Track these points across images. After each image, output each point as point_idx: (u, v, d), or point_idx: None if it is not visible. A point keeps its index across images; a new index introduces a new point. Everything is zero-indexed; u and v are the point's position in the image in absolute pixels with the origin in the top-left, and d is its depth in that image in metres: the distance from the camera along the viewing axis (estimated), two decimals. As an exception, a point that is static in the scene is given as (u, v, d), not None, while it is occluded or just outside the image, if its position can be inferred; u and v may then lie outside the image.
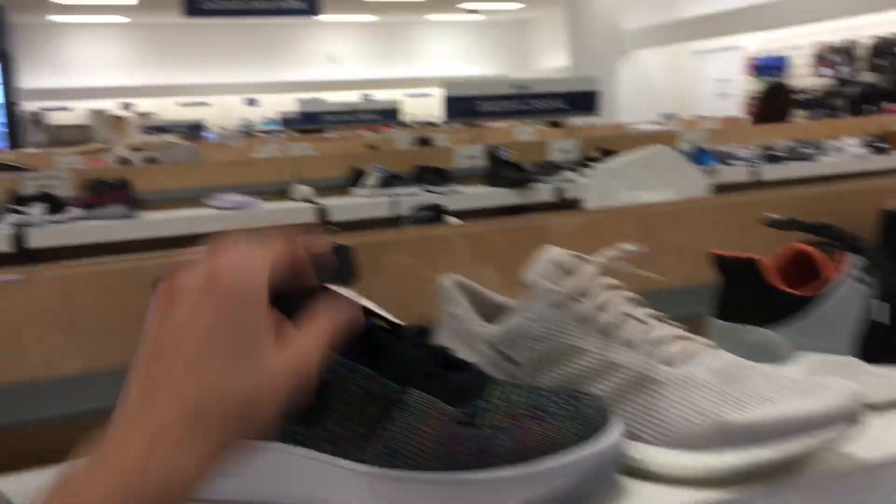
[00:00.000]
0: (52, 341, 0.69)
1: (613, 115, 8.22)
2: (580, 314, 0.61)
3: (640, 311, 0.62)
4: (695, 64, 11.03)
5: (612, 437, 0.52)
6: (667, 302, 0.67)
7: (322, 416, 0.51)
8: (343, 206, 2.82)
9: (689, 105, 10.28)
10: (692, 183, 1.02)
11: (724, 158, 3.44)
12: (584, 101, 3.32)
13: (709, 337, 0.67)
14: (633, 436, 0.58)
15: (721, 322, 0.77)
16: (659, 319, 0.63)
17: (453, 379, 0.53)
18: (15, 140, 11.64)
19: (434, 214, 1.16)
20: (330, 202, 2.84)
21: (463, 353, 0.66)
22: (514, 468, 0.49)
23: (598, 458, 0.51)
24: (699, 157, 3.26)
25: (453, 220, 1.13)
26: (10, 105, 11.99)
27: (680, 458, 0.56)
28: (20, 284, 0.68)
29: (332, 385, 0.50)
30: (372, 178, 2.97)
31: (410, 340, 0.54)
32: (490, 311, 0.69)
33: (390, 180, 2.96)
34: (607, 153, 3.24)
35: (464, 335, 0.66)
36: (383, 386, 0.51)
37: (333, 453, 0.51)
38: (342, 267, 0.54)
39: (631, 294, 0.63)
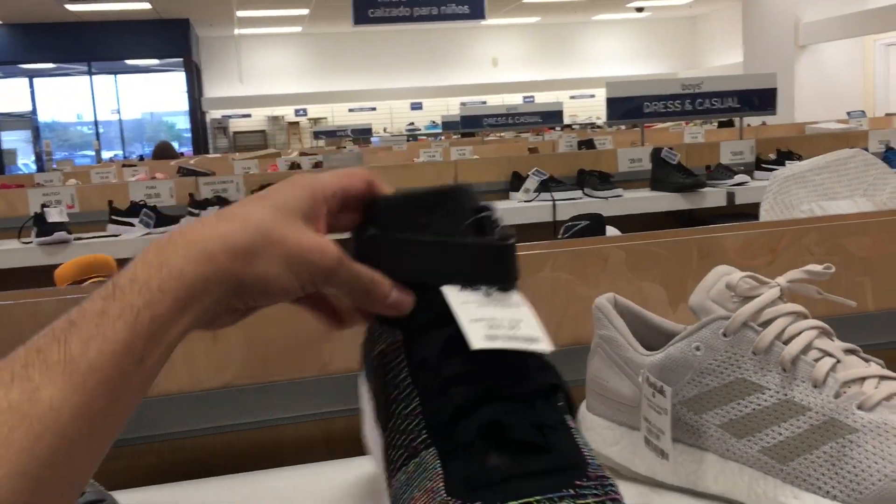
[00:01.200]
0: (195, 356, 0.69)
1: (791, 114, 7.72)
2: (758, 345, 0.53)
3: (830, 343, 0.54)
4: (883, 57, 10.18)
5: None
6: (862, 332, 0.58)
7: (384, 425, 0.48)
8: (501, 211, 2.78)
9: (877, 102, 9.49)
10: (894, 192, 0.89)
11: (920, 160, 3.12)
12: (759, 99, 3.12)
13: (914, 375, 0.58)
14: (819, 490, 0.50)
15: (927, 355, 0.66)
16: (852, 353, 0.54)
17: (491, 466, 0.43)
18: (199, 146, 12.53)
19: (593, 223, 1.09)
20: (488, 206, 2.81)
21: (615, 383, 0.61)
22: None
23: None
24: (892, 159, 2.97)
25: (614, 230, 1.07)
26: (195, 113, 12.93)
27: (879, 522, 0.47)
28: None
29: (392, 398, 0.47)
30: (532, 183, 2.93)
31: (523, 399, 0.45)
32: (651, 337, 0.62)
33: (550, 184, 2.90)
34: (786, 155, 3.02)
35: (618, 362, 0.60)
36: (417, 429, 0.45)
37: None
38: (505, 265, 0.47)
39: (819, 323, 0.55)
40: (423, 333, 0.46)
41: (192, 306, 0.39)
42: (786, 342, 0.53)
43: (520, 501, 0.40)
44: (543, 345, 0.45)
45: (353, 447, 0.60)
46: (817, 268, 0.57)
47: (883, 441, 0.49)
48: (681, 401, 0.56)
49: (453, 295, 0.45)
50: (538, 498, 0.41)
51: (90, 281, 0.92)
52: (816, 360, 0.53)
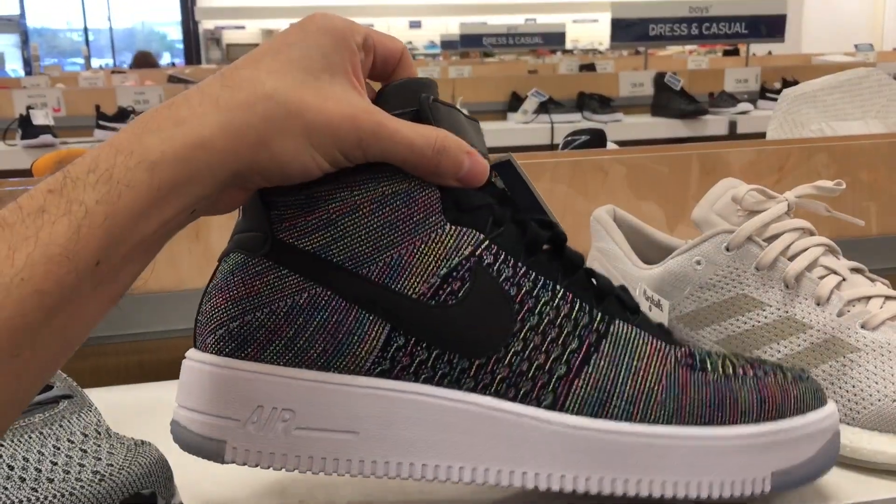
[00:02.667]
0: (179, 249, 0.67)
1: (798, 45, 7.58)
2: (762, 260, 0.51)
3: (836, 262, 0.52)
4: (896, -10, 9.93)
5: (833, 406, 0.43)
6: (868, 253, 0.56)
7: (499, 345, 0.38)
8: (498, 131, 2.74)
9: (886, 36, 9.31)
10: (907, 113, 0.86)
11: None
12: (767, 26, 3.04)
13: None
14: (815, 409, 0.48)
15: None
16: (858, 272, 0.52)
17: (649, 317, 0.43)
18: (191, 57, 12.26)
19: (593, 138, 1.06)
20: (484, 126, 2.76)
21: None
22: (767, 425, 0.39)
23: (834, 431, 0.42)
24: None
25: (614, 146, 1.04)
26: (187, 23, 12.62)
27: (874, 442, 0.46)
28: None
29: (516, 300, 0.39)
30: (530, 104, 2.87)
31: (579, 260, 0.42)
32: (651, 252, 0.60)
33: (549, 106, 2.84)
34: (791, 85, 2.96)
35: (615, 276, 0.58)
36: (586, 311, 0.40)
37: (516, 399, 0.39)
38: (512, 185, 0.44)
39: (825, 240, 0.53)
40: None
41: (171, 201, 0.32)
42: (791, 258, 0.51)
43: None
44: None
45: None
46: (828, 183, 0.54)
47: (885, 361, 0.47)
48: (678, 316, 0.54)
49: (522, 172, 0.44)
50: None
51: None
52: (821, 277, 0.51)
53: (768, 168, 0.75)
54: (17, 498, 0.32)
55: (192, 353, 0.40)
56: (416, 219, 0.38)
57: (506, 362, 0.38)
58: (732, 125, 2.81)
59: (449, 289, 0.38)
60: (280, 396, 0.38)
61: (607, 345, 0.39)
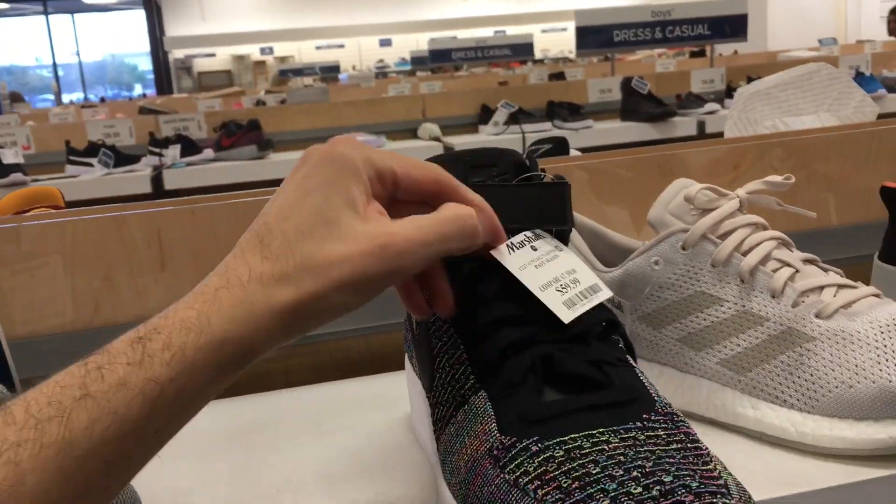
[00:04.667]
0: (145, 281, 0.67)
1: (764, 43, 7.67)
2: (716, 257, 0.52)
3: (789, 254, 0.53)
4: (857, -16, 10.09)
5: None
6: (822, 244, 0.57)
7: (430, 384, 0.45)
8: (470, 144, 2.75)
9: (849, 29, 9.45)
10: (858, 107, 0.87)
11: (891, 85, 3.12)
12: (730, 26, 3.08)
13: (873, 284, 0.57)
14: (776, 399, 0.49)
15: (888, 267, 0.66)
16: (811, 263, 0.53)
17: (545, 402, 0.39)
18: (163, 87, 12.24)
19: (556, 147, 1.07)
20: (457, 140, 2.78)
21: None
22: None
23: None
24: (862, 82, 2.96)
25: (577, 153, 1.05)
26: (157, 53, 12.60)
27: (835, 429, 0.47)
28: (114, 222, 0.66)
29: (438, 354, 0.44)
30: (501, 115, 2.89)
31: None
32: (610, 254, 0.61)
33: (520, 117, 2.86)
34: (754, 83, 3.00)
35: (580, 280, 0.59)
36: (464, 379, 0.42)
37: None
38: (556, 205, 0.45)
39: (778, 234, 0.54)
40: (468, 283, 0.43)
41: (234, 370, 0.35)
42: (744, 253, 0.52)
43: (580, 434, 0.36)
44: (605, 291, 0.43)
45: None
46: (777, 178, 0.55)
47: (840, 349, 0.48)
48: (639, 316, 0.55)
49: (508, 261, 0.42)
50: (601, 430, 0.36)
51: (34, 210, 0.89)
52: (775, 270, 0.52)
53: (725, 167, 0.76)
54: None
55: None
56: None
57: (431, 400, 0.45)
58: (701, 125, 2.84)
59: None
60: None
61: (460, 415, 0.41)
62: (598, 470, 0.34)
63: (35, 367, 0.55)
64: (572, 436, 0.36)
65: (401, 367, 0.56)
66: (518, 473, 0.36)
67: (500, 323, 0.41)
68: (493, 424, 0.39)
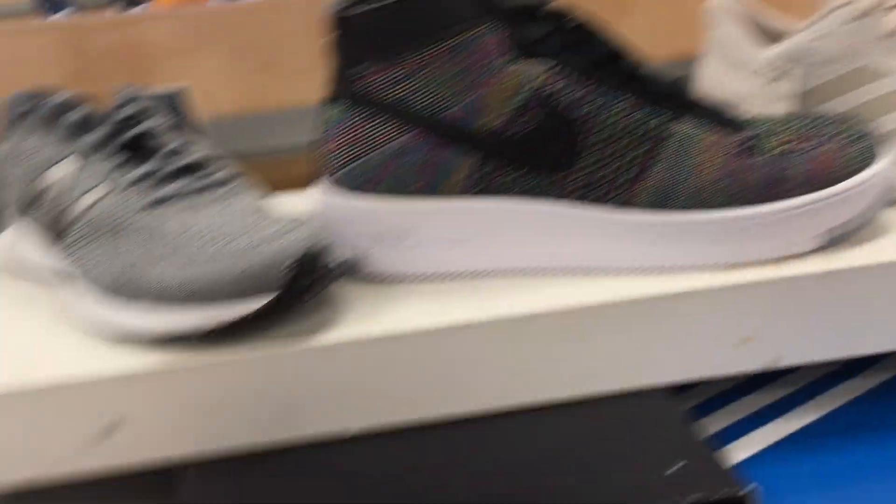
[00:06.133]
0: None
1: None
2: (885, 27, 0.51)
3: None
4: None
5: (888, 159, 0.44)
6: None
7: (572, 160, 0.43)
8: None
9: None
10: None
11: None
12: None
13: None
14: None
15: None
16: None
17: (714, 107, 0.45)
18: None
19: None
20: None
21: (732, 85, 0.59)
22: (819, 193, 0.42)
23: (884, 180, 0.44)
24: None
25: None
26: None
27: None
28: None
29: (581, 122, 0.43)
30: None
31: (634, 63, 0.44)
32: (767, 37, 0.60)
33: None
34: None
35: (734, 63, 0.58)
36: (652, 116, 0.43)
37: (591, 201, 0.43)
38: None
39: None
40: None
41: None
42: (916, 24, 0.50)
43: None
44: None
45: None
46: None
47: None
48: (797, 94, 0.54)
49: None
50: None
51: None
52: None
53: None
54: (209, 254, 0.37)
55: (321, 190, 0.45)
56: (487, 61, 0.42)
57: (579, 174, 0.43)
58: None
59: (524, 119, 0.42)
60: (396, 222, 0.44)
61: (669, 147, 0.42)
62: None
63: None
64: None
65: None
66: (768, 149, 0.43)
67: None
68: (718, 135, 0.43)
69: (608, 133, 0.42)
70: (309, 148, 0.47)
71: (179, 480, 0.38)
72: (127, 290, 0.39)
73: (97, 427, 0.38)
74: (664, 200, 0.42)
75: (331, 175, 0.44)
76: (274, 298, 0.37)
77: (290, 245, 0.37)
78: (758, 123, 0.44)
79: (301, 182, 0.61)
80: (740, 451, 0.43)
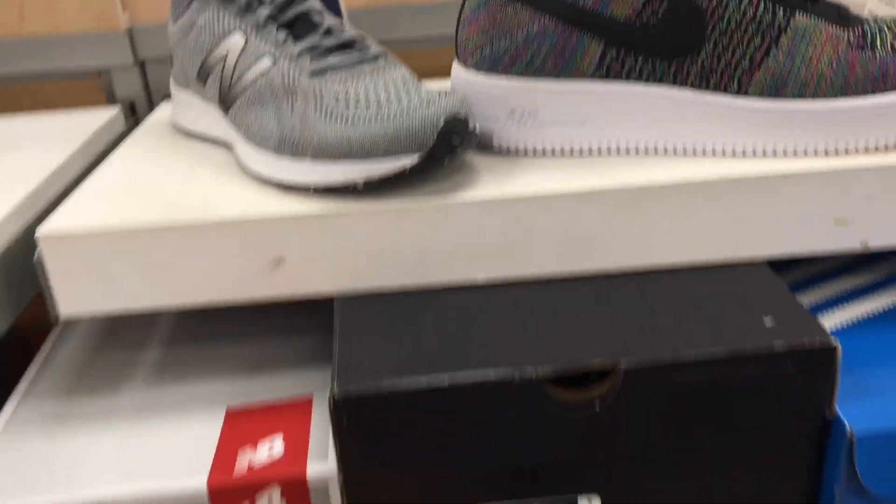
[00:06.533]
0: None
1: None
2: None
3: None
4: None
5: None
6: None
7: (693, 48, 0.46)
8: None
9: None
10: None
11: None
12: None
13: None
14: None
15: None
16: None
17: (833, 4, 0.48)
18: None
19: None
20: None
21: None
22: None
23: None
24: None
25: None
26: None
27: None
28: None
29: (707, 12, 0.46)
30: None
31: None
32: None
33: None
34: None
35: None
36: (770, 10, 0.46)
37: (708, 88, 0.47)
38: None
39: None
40: None
41: None
42: None
43: None
44: None
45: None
46: None
47: None
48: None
49: None
50: None
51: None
52: None
53: None
54: (367, 116, 0.43)
55: (457, 71, 0.50)
56: None
57: (699, 62, 0.46)
58: None
59: (650, 10, 0.46)
60: (526, 101, 0.48)
61: (786, 38, 0.46)
62: None
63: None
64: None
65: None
66: (883, 44, 0.46)
67: None
68: (835, 28, 0.46)
69: (734, 22, 0.46)
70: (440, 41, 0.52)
71: (335, 311, 0.45)
72: (290, 148, 0.45)
73: (266, 260, 0.44)
74: (778, 89, 0.46)
75: (470, 57, 0.49)
76: (423, 156, 0.42)
77: (440, 110, 0.42)
78: (873, 22, 0.47)
79: (431, 75, 0.65)
80: (826, 322, 0.48)
